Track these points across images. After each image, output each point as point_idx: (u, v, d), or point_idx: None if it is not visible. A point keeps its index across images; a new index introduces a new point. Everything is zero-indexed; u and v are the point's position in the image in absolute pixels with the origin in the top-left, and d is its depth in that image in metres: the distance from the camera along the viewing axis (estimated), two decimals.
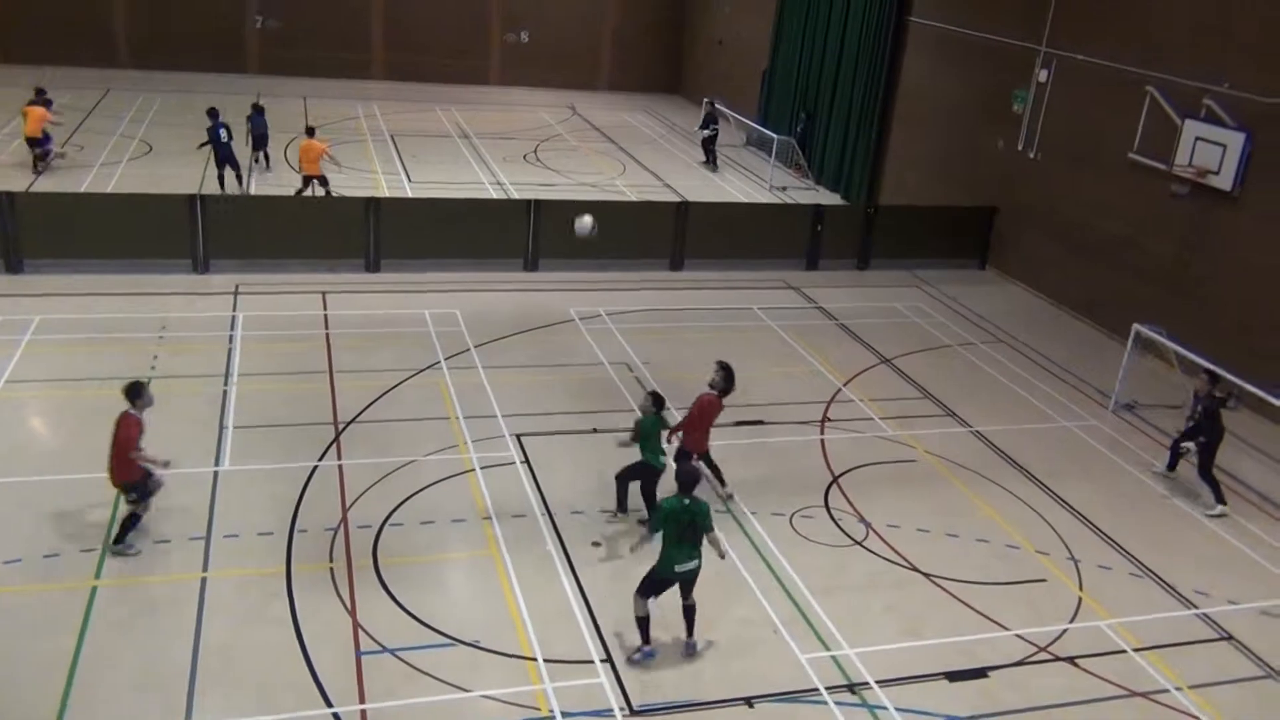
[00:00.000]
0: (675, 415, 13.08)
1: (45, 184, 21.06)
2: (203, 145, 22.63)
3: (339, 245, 18.92)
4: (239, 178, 22.72)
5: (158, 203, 18.44)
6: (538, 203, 19.97)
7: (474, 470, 12.68)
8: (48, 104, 23.33)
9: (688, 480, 9.52)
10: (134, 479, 10.62)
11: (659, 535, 9.60)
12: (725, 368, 12.10)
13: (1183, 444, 13.66)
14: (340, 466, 12.51)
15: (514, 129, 31.88)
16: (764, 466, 13.41)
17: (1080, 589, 11.52)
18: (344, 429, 13.37)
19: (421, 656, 9.51)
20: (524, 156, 28.44)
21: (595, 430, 13.90)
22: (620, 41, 39.72)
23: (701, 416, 12.00)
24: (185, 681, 9.00)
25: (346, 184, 23.58)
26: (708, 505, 9.64)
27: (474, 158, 27.88)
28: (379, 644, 9.62)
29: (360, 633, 9.74)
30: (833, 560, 11.60)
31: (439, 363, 15.52)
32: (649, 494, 11.67)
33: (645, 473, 11.64)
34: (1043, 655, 10.34)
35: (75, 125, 27.16)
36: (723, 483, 12.56)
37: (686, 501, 9.44)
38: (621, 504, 11.94)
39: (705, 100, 30.28)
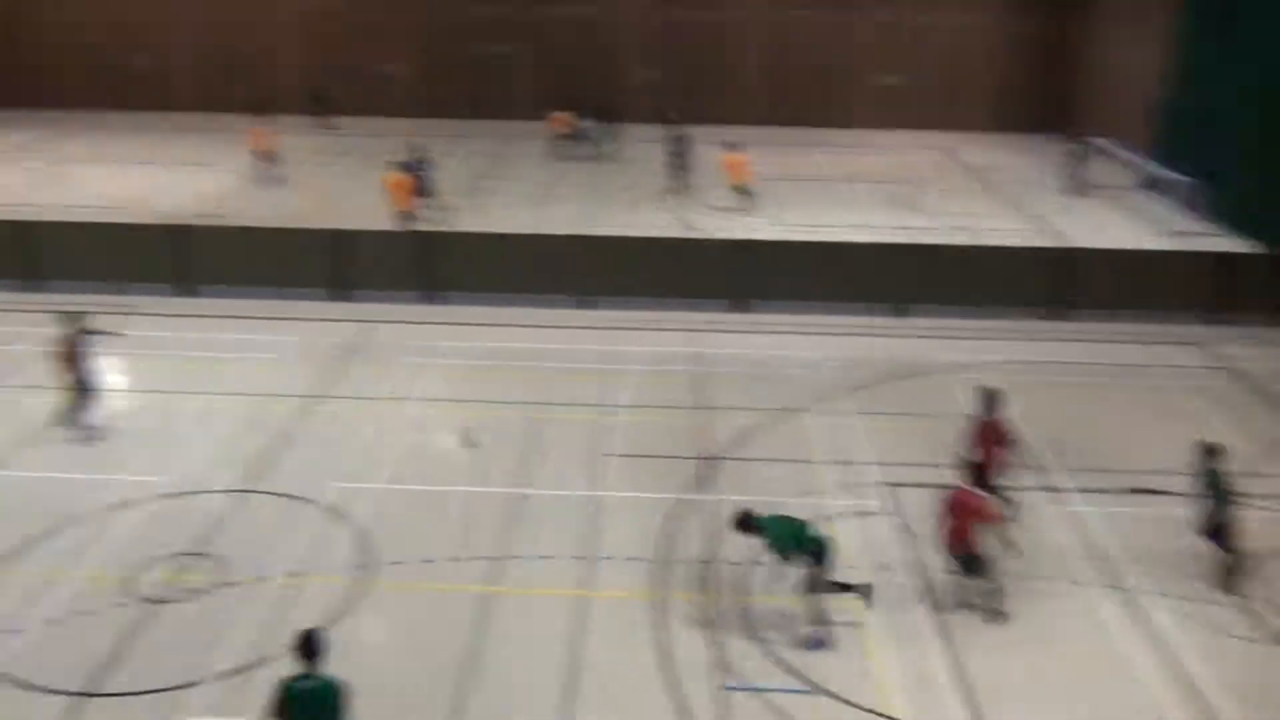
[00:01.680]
0: None
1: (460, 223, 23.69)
2: None
3: (710, 285, 19.53)
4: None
5: (547, 242, 20.27)
6: (908, 247, 19.53)
7: (839, 516, 12.50)
8: (411, 168, 23.35)
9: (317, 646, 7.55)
10: (971, 551, 10.46)
11: None
12: (986, 390, 12.08)
13: None
14: (710, 501, 12.80)
15: (884, 172, 31.47)
16: (1164, 542, 12.10)
17: None
18: (714, 465, 13.70)
19: (782, 700, 9.47)
20: (895, 200, 27.96)
21: None
22: (997, 81, 38.09)
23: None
24: (559, 695, 9.52)
25: (715, 225, 24.33)
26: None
27: (841, 200, 27.81)
28: (742, 681, 9.68)
29: (724, 668, 9.86)
30: (1249, 657, 10.25)
31: (808, 407, 15.52)
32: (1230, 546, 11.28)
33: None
34: None
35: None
36: None
37: None
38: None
39: (1070, 128, 30.74)
